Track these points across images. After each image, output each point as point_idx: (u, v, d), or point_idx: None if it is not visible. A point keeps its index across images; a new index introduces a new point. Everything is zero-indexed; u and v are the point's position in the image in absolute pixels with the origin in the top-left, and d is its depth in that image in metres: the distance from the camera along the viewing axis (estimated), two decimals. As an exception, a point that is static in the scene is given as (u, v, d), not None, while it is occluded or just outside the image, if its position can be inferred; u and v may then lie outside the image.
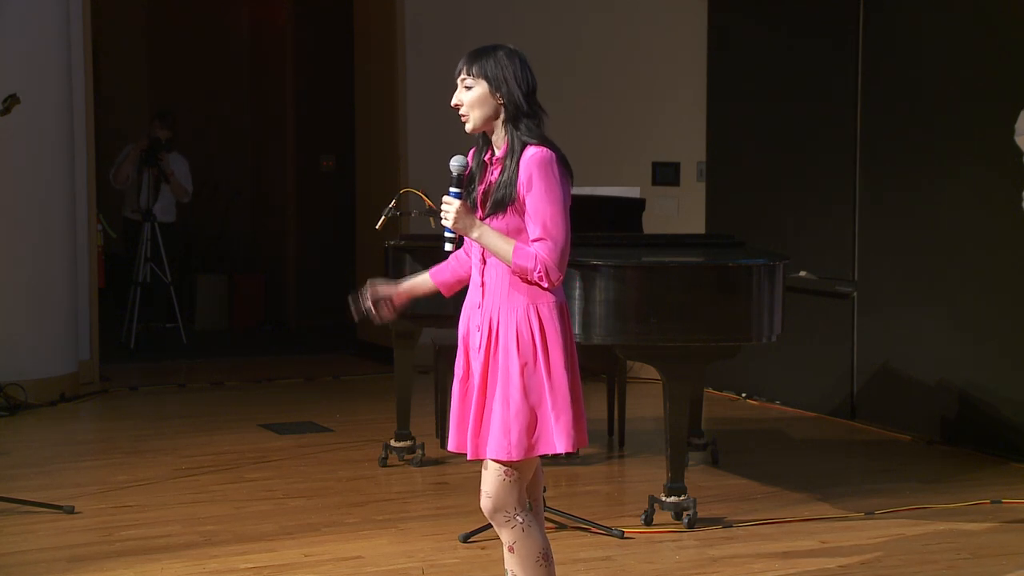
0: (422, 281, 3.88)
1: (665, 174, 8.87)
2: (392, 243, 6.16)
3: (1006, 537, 5.16)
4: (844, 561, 4.81)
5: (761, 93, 8.13)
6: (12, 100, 5.77)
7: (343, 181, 11.04)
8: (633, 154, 8.80)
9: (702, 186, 8.71)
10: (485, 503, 3.62)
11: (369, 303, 3.83)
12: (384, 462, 6.32)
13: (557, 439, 3.53)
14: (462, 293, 3.79)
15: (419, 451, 6.34)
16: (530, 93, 3.58)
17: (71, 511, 5.35)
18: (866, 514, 5.46)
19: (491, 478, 3.59)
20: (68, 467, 6.37)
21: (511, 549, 3.61)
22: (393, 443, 6.35)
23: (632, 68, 8.93)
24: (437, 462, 6.39)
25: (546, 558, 3.62)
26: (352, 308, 3.87)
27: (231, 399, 8.22)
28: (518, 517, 3.60)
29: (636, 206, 6.62)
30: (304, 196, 11.63)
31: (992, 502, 5.64)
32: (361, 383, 8.79)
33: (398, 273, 6.09)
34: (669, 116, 8.86)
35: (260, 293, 11.71)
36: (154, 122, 10.14)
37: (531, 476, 3.64)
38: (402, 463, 6.35)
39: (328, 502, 5.65)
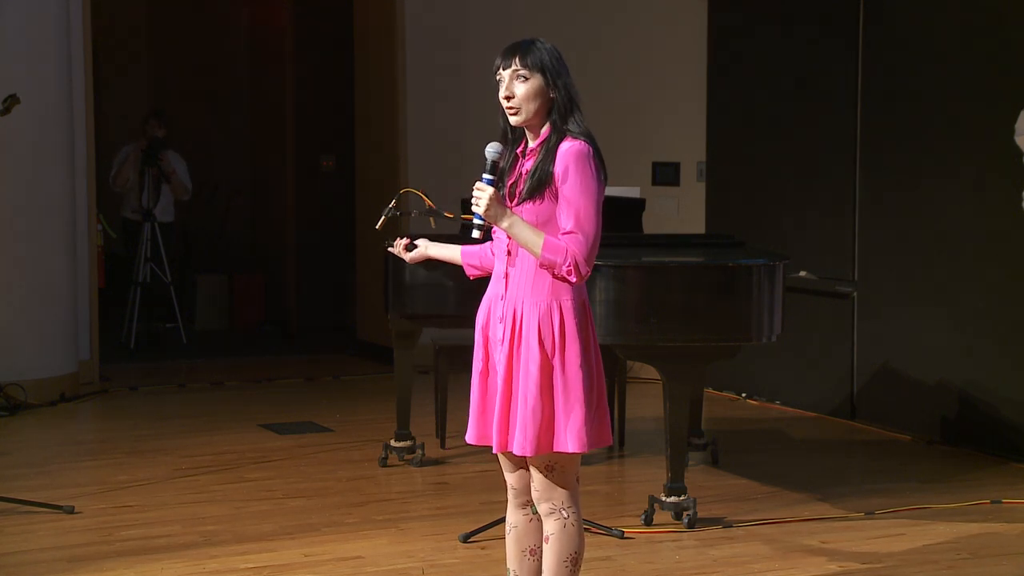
0: (451, 253, 3.91)
1: (665, 174, 8.87)
2: (392, 243, 6.14)
3: (1006, 537, 5.16)
4: (844, 561, 4.81)
5: (761, 93, 8.13)
6: (12, 100, 5.77)
7: (343, 181, 11.04)
8: (633, 154, 8.80)
9: (702, 186, 8.71)
10: (533, 493, 3.65)
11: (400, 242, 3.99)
12: (384, 462, 6.32)
13: (568, 439, 3.52)
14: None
15: (419, 451, 6.34)
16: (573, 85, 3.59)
17: (71, 511, 5.35)
18: (866, 514, 5.46)
19: (534, 471, 3.61)
20: (68, 467, 6.37)
21: (547, 540, 3.63)
22: (393, 443, 6.35)
23: (632, 68, 8.93)
24: (437, 462, 6.39)
25: (575, 563, 3.64)
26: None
27: (231, 399, 8.22)
28: (564, 512, 3.62)
29: (636, 206, 6.62)
30: (304, 196, 11.62)
31: (992, 502, 5.64)
32: (361, 383, 8.79)
33: (398, 273, 6.10)
34: (669, 116, 8.86)
35: (260, 293, 11.71)
36: (150, 121, 10.13)
37: (577, 470, 3.64)
38: (402, 463, 6.35)
39: (328, 502, 5.65)
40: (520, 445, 3.53)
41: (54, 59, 7.84)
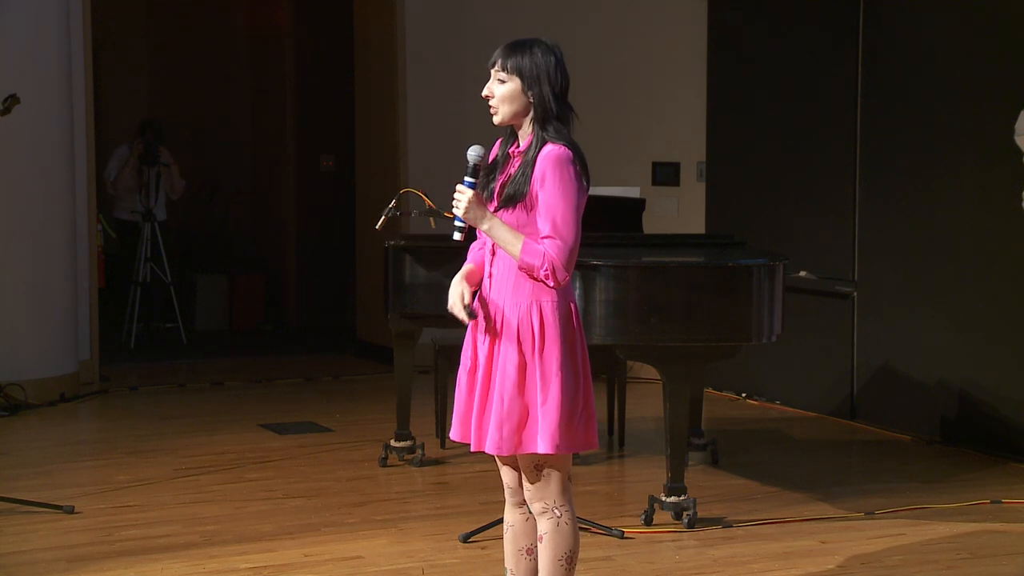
0: (473, 271, 3.68)
1: (665, 174, 8.86)
2: (392, 243, 6.15)
3: (1006, 537, 5.16)
4: (844, 561, 4.81)
5: (761, 93, 8.13)
6: (12, 100, 5.77)
7: (343, 181, 11.04)
8: (633, 154, 8.81)
9: (702, 186, 8.71)
10: (525, 492, 3.66)
11: (471, 310, 3.62)
12: (384, 462, 6.32)
13: (540, 439, 3.52)
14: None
15: (419, 451, 6.34)
16: (562, 93, 3.56)
17: (71, 511, 5.35)
18: (866, 514, 5.46)
19: (526, 470, 3.61)
20: (68, 467, 6.37)
21: (541, 539, 3.64)
22: (393, 443, 6.35)
23: (632, 68, 8.93)
24: (437, 462, 6.39)
25: (570, 561, 3.64)
26: (466, 316, 3.60)
27: (231, 399, 8.22)
28: (556, 511, 3.62)
29: (636, 206, 6.62)
30: (304, 196, 11.63)
31: (992, 502, 5.64)
32: (361, 383, 8.79)
33: (398, 273, 6.10)
34: (669, 116, 8.86)
35: (260, 293, 11.71)
36: (147, 132, 10.16)
37: (567, 469, 3.64)
38: (402, 463, 6.35)
39: (328, 502, 5.65)
40: (495, 444, 3.54)
41: (54, 59, 7.84)
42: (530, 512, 3.74)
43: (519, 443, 3.54)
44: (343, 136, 10.76)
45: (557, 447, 3.51)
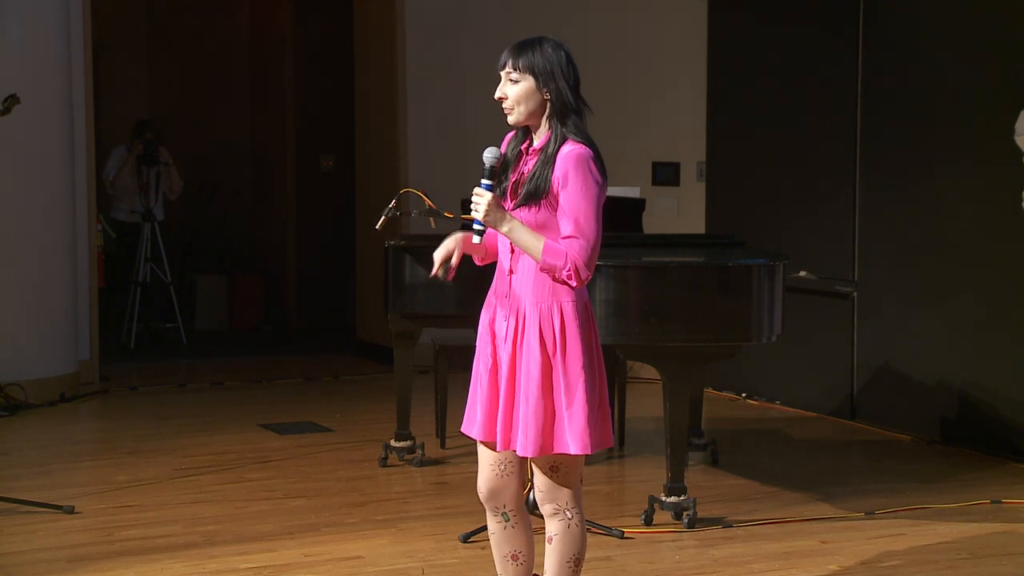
0: (464, 247, 3.66)
1: (665, 174, 8.87)
2: (392, 243, 6.15)
3: (1006, 537, 5.16)
4: (844, 561, 4.81)
5: (761, 93, 8.13)
6: (12, 100, 5.78)
7: (343, 181, 11.04)
8: (633, 154, 8.81)
9: (702, 186, 8.71)
10: (537, 493, 3.65)
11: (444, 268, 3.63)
12: (384, 462, 6.32)
13: (570, 440, 3.51)
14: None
15: (419, 451, 6.34)
16: (576, 88, 3.56)
17: (71, 511, 5.35)
18: (866, 514, 5.46)
19: (538, 472, 3.61)
20: (68, 467, 6.37)
21: (550, 540, 3.63)
22: (393, 443, 6.35)
23: (632, 68, 8.93)
24: (437, 462, 6.39)
25: (577, 563, 3.65)
26: (442, 271, 3.62)
27: (231, 399, 8.22)
28: (568, 512, 3.62)
29: (636, 206, 6.62)
30: (304, 196, 11.63)
31: (992, 502, 5.64)
32: (361, 383, 8.79)
33: (398, 273, 6.10)
34: (669, 116, 8.86)
35: (260, 293, 11.71)
36: (147, 132, 10.19)
37: (580, 470, 3.63)
38: (402, 463, 6.35)
39: (328, 502, 5.65)
40: (522, 446, 3.53)
41: (54, 59, 7.84)
42: (506, 521, 3.71)
43: (546, 444, 3.52)
44: (343, 136, 10.76)
45: (587, 446, 3.50)
